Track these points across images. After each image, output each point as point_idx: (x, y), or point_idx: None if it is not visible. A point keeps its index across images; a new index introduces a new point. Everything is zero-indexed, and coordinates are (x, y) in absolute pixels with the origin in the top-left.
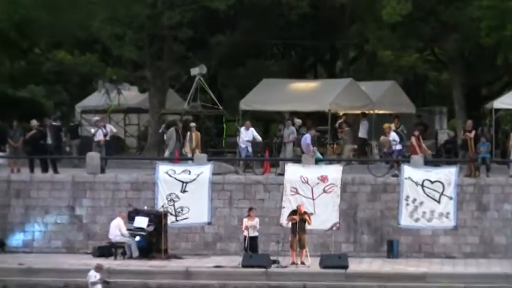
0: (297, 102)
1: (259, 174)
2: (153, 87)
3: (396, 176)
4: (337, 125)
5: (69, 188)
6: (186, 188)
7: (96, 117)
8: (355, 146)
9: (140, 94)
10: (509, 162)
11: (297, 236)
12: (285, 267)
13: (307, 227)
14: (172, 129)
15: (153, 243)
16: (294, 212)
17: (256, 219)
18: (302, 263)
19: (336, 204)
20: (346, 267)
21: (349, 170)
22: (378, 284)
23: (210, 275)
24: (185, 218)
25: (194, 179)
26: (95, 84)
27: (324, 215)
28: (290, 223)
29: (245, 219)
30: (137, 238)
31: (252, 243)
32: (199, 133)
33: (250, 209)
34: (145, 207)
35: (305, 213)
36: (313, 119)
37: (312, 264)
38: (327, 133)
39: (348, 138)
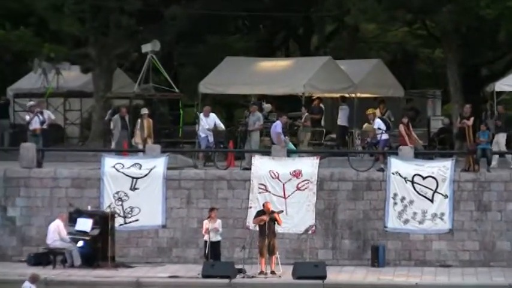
0: (265, 84)
1: (221, 168)
2: (98, 67)
3: (382, 170)
4: (303, 109)
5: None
6: (137, 185)
7: (32, 102)
8: (334, 135)
9: (83, 75)
10: None
11: (266, 240)
12: (252, 277)
13: (278, 229)
14: (116, 116)
15: (98, 249)
16: (261, 212)
17: (219, 221)
18: (272, 272)
19: (312, 204)
20: (323, 277)
21: (327, 163)
22: None
23: (164, 286)
24: (135, 220)
25: (146, 175)
26: (30, 63)
27: (298, 216)
28: (258, 225)
29: (205, 221)
30: (79, 243)
31: (214, 249)
32: (151, 120)
33: (212, 210)
34: (89, 208)
35: (273, 212)
36: (285, 104)
37: (283, 273)
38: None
39: (308, 125)
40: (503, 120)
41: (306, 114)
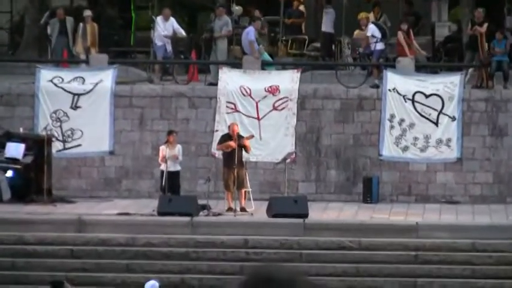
0: None
1: (182, 83)
2: None
3: (376, 86)
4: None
5: None
6: (79, 103)
7: None
8: (317, 44)
9: None
10: None
11: (234, 171)
12: (219, 214)
13: (250, 157)
14: (55, 19)
15: (31, 180)
16: (227, 137)
17: (178, 147)
18: (243, 209)
19: (291, 127)
20: (305, 215)
21: (309, 78)
22: (349, 239)
23: (112, 226)
24: (77, 145)
25: (90, 91)
26: None
27: (274, 141)
28: (222, 153)
29: (162, 147)
30: (9, 173)
31: (172, 180)
32: (96, 25)
33: (170, 133)
34: (21, 130)
35: (241, 136)
36: (259, 6)
37: (256, 211)
38: (278, 25)
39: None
40: None
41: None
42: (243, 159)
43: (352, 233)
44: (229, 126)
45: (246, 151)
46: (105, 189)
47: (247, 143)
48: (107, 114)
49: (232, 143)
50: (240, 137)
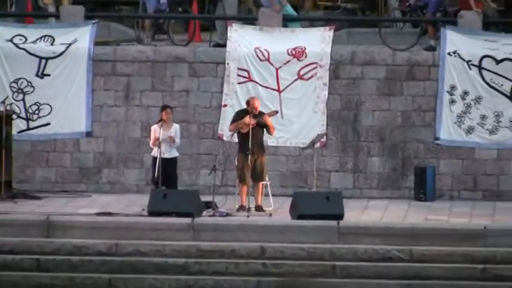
0: None
1: (180, 44)
2: None
3: (432, 49)
4: None
5: None
6: (47, 70)
7: None
8: None
9: None
10: None
11: (250, 157)
12: (227, 215)
13: (269, 141)
14: None
15: None
16: (243, 113)
17: (175, 128)
18: (258, 207)
19: (321, 101)
20: (339, 216)
21: (345, 37)
22: (397, 247)
23: (89, 229)
24: (45, 125)
25: (61, 53)
26: None
27: (300, 121)
28: (237, 134)
29: (155, 127)
30: None
31: (168, 170)
32: None
33: (164, 109)
34: None
35: (261, 113)
36: None
37: (276, 210)
38: None
39: None
40: None
41: None
42: (263, 143)
43: (400, 239)
44: (247, 102)
45: (269, 132)
46: (80, 181)
47: (269, 120)
48: (83, 85)
49: (249, 120)
50: (260, 113)
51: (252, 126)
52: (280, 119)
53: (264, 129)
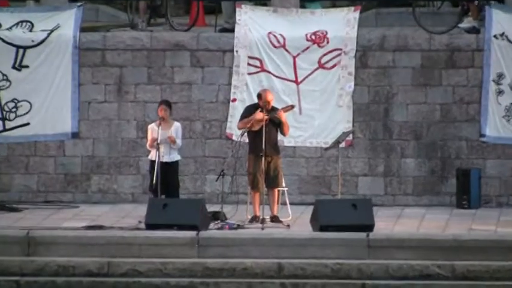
0: None
1: (181, 29)
2: None
3: (476, 31)
4: None
5: None
6: (25, 61)
7: None
8: None
9: None
10: None
11: (263, 160)
12: (238, 227)
13: (285, 141)
14: None
15: None
16: (254, 108)
17: (176, 127)
18: (275, 218)
19: (347, 94)
20: (368, 227)
21: (373, 19)
22: (437, 262)
23: (77, 246)
24: (24, 125)
25: (41, 42)
26: None
27: (321, 116)
28: (247, 133)
29: (152, 127)
30: None
31: (168, 176)
32: None
33: (163, 105)
34: None
35: (274, 108)
36: None
37: (295, 221)
38: None
39: None
40: None
41: None
42: (277, 142)
43: (441, 253)
44: (259, 95)
45: (282, 131)
46: (66, 190)
47: (284, 117)
48: (68, 78)
49: (261, 116)
50: (273, 109)
51: (265, 123)
52: (298, 115)
53: (278, 128)
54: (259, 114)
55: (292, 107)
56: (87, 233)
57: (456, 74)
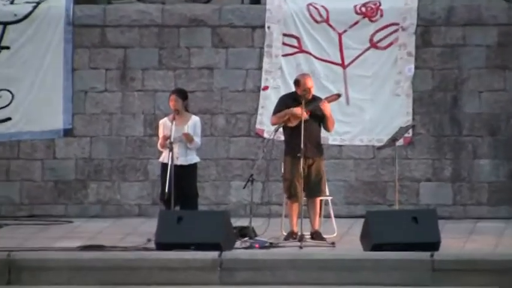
0: None
1: (199, 0)
2: None
3: None
4: None
5: None
6: (5, 40)
7: None
8: None
9: None
10: None
11: (303, 163)
12: (271, 245)
13: (329, 138)
14: None
15: None
16: (290, 98)
17: (194, 121)
18: (315, 234)
19: (406, 80)
20: (433, 245)
21: None
22: None
23: (71, 270)
24: (4, 120)
25: (26, 16)
26: None
27: (374, 107)
28: (283, 128)
29: (164, 122)
30: None
31: (184, 182)
32: None
33: (174, 94)
34: None
35: (316, 98)
36: None
37: (341, 238)
38: None
39: None
40: None
41: None
42: (320, 141)
43: None
44: (297, 81)
45: (326, 127)
46: (56, 201)
47: (328, 109)
48: (59, 61)
49: (298, 111)
50: (315, 98)
51: (305, 118)
52: (344, 106)
53: (321, 123)
54: (298, 109)
55: (339, 96)
56: (84, 255)
57: None
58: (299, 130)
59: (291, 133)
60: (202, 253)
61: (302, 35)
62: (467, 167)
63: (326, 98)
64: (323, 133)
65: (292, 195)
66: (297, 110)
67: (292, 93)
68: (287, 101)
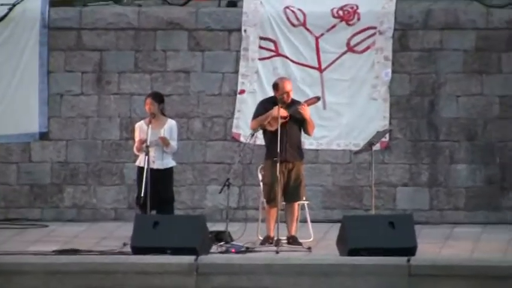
0: None
1: (176, 3)
2: None
3: None
4: None
5: None
6: None
7: None
8: None
9: None
10: None
11: (282, 167)
12: (247, 250)
13: (306, 142)
14: None
15: None
16: (269, 102)
17: (170, 125)
18: (291, 239)
19: (383, 84)
20: (409, 250)
21: None
22: None
23: (46, 275)
24: None
25: (1, 19)
26: None
27: (351, 112)
28: (263, 132)
29: (140, 125)
30: None
31: (159, 187)
32: None
33: (150, 98)
34: None
35: (295, 102)
36: None
37: (318, 243)
38: None
39: None
40: None
41: None
42: (299, 144)
43: (500, 284)
44: (275, 85)
45: (306, 130)
46: (32, 204)
47: (308, 112)
48: (34, 64)
49: (276, 113)
50: (293, 102)
51: (284, 121)
52: (321, 111)
53: (301, 126)
54: (276, 111)
55: (318, 99)
56: (59, 259)
57: None
58: (276, 134)
59: (272, 137)
60: (179, 257)
61: (279, 38)
62: (444, 172)
63: (305, 101)
64: (305, 136)
65: (271, 201)
66: (275, 111)
67: (272, 97)
68: (266, 105)
